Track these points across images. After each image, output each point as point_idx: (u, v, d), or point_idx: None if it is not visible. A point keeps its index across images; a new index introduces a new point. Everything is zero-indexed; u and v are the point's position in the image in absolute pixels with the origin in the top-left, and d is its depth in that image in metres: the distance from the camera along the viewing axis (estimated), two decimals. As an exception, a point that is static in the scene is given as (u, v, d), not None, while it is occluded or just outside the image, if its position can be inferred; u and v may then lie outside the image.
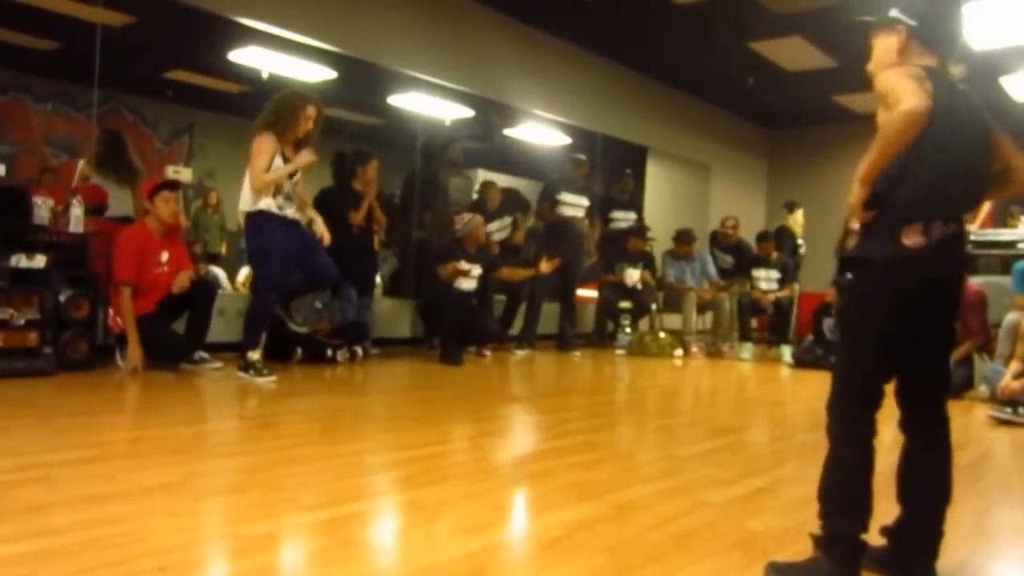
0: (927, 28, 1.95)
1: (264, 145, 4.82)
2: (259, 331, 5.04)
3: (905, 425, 2.00)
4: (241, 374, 4.87)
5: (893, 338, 1.88)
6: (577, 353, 7.86)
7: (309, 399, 4.58)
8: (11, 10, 6.16)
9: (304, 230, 5.12)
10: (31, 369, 4.40)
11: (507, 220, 7.94)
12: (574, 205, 7.93)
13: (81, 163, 5.60)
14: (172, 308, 5.15)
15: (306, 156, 4.91)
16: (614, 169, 10.59)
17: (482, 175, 10.35)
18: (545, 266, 7.42)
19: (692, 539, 2.22)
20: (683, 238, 8.75)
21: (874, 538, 1.97)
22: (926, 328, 1.91)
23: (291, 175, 4.90)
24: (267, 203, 4.83)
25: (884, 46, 2.00)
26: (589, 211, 8.10)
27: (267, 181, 4.79)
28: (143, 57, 7.55)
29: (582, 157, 8.33)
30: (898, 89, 1.78)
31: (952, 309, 1.99)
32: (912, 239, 1.82)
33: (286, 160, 4.88)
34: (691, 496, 2.69)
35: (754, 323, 8.68)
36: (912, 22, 1.95)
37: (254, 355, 4.91)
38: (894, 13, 1.96)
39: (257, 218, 4.85)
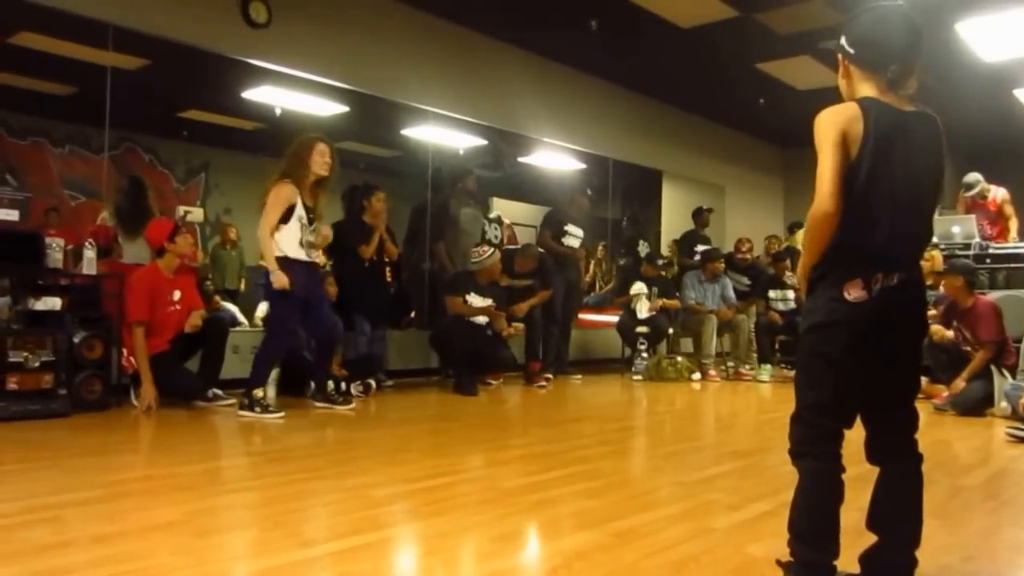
0: (866, 55, 1.93)
1: (279, 196, 4.87)
2: (266, 370, 5.09)
3: (876, 459, 1.98)
4: (244, 412, 4.88)
5: (850, 382, 1.88)
6: (578, 377, 7.88)
7: (320, 433, 4.59)
8: (29, 57, 6.30)
9: (319, 276, 5.18)
10: (46, 411, 4.45)
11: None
12: (576, 236, 8.13)
13: (103, 214, 5.68)
14: (185, 346, 5.20)
15: (324, 231, 5.07)
16: (627, 193, 10.64)
17: (497, 204, 10.39)
18: (513, 320, 7.19)
19: (690, 565, 2.21)
20: (710, 255, 8.68)
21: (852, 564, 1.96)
22: (884, 370, 1.91)
23: (310, 221, 4.94)
24: (294, 250, 4.89)
25: (840, 71, 2.01)
26: (583, 241, 8.30)
27: (268, 246, 4.83)
28: (157, 98, 7.67)
29: (589, 191, 8.63)
30: (818, 177, 1.87)
31: (910, 349, 2.00)
32: (854, 294, 1.85)
33: (305, 207, 4.92)
34: (694, 522, 2.68)
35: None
36: (850, 50, 1.95)
37: (259, 392, 4.94)
38: (841, 41, 1.97)
39: (281, 261, 4.89)
